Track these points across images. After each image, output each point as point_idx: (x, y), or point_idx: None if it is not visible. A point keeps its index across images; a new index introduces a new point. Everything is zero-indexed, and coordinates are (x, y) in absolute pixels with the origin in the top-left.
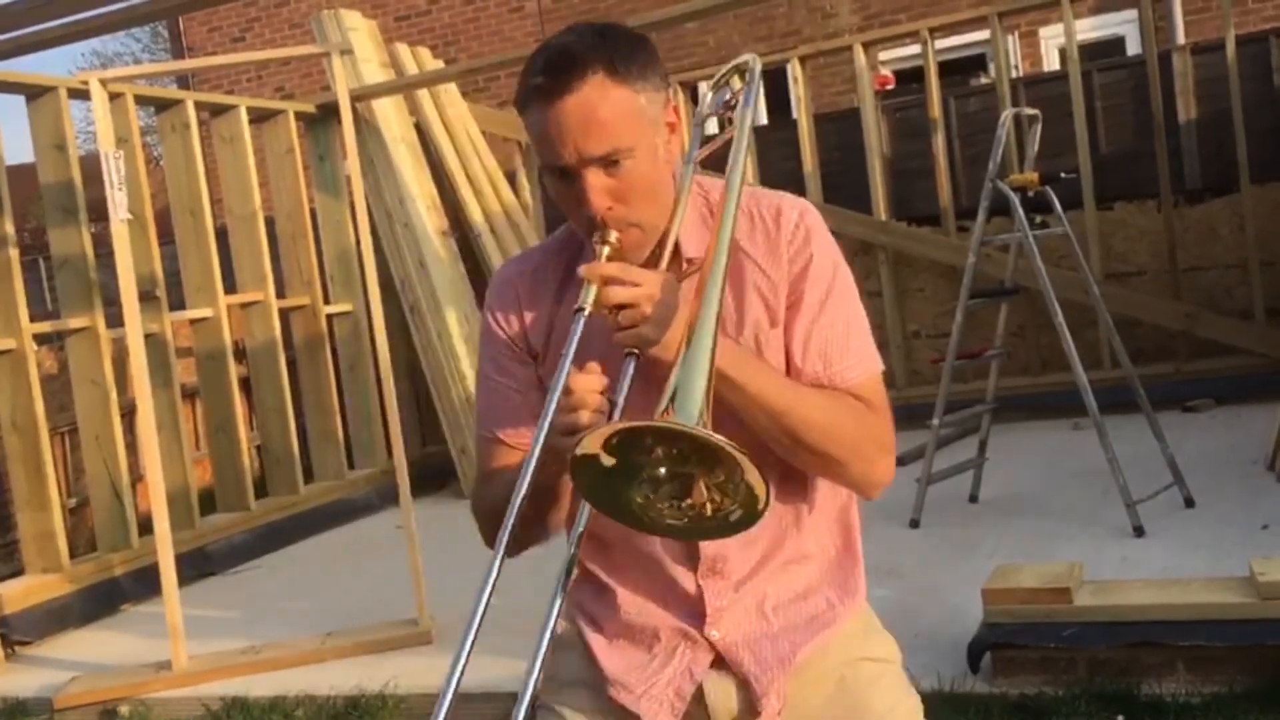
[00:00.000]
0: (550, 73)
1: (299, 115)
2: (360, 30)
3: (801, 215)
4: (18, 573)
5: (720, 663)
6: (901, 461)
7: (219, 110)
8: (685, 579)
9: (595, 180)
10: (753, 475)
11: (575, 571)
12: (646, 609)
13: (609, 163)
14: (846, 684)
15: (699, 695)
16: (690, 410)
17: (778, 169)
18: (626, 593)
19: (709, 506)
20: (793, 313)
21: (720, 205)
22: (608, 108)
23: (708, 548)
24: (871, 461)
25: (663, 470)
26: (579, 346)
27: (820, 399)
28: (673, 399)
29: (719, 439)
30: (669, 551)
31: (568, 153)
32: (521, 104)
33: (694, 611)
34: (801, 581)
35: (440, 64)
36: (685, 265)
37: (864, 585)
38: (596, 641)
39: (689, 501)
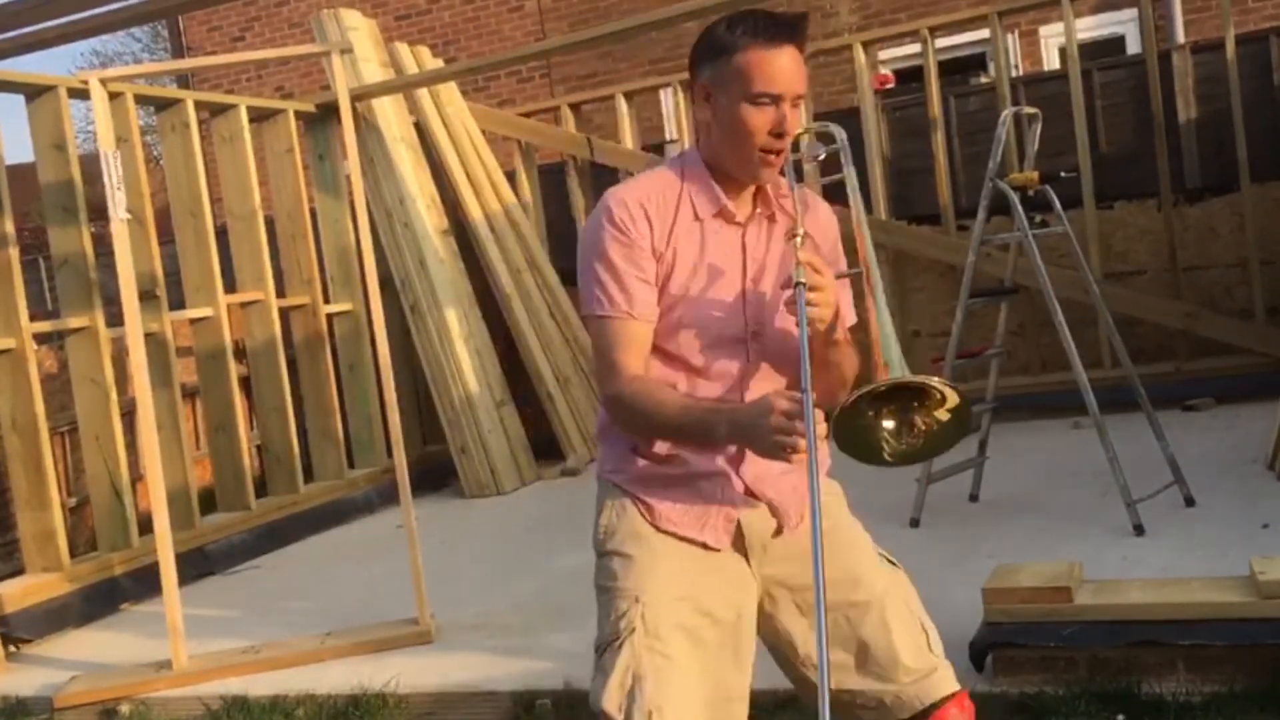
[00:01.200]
0: (783, 25)
1: (299, 115)
2: (360, 29)
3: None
4: (18, 572)
5: (749, 497)
6: None
7: (219, 110)
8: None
9: (792, 114)
10: (950, 395)
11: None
12: (698, 460)
13: (797, 102)
14: (830, 510)
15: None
16: (900, 370)
17: None
18: (686, 450)
19: (926, 426)
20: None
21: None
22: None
23: None
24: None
25: (890, 418)
26: (715, 252)
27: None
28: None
29: (924, 379)
30: None
31: (783, 86)
32: (741, 41)
33: (731, 460)
34: None
35: (440, 63)
36: (766, 214)
37: None
38: (654, 499)
39: (917, 428)
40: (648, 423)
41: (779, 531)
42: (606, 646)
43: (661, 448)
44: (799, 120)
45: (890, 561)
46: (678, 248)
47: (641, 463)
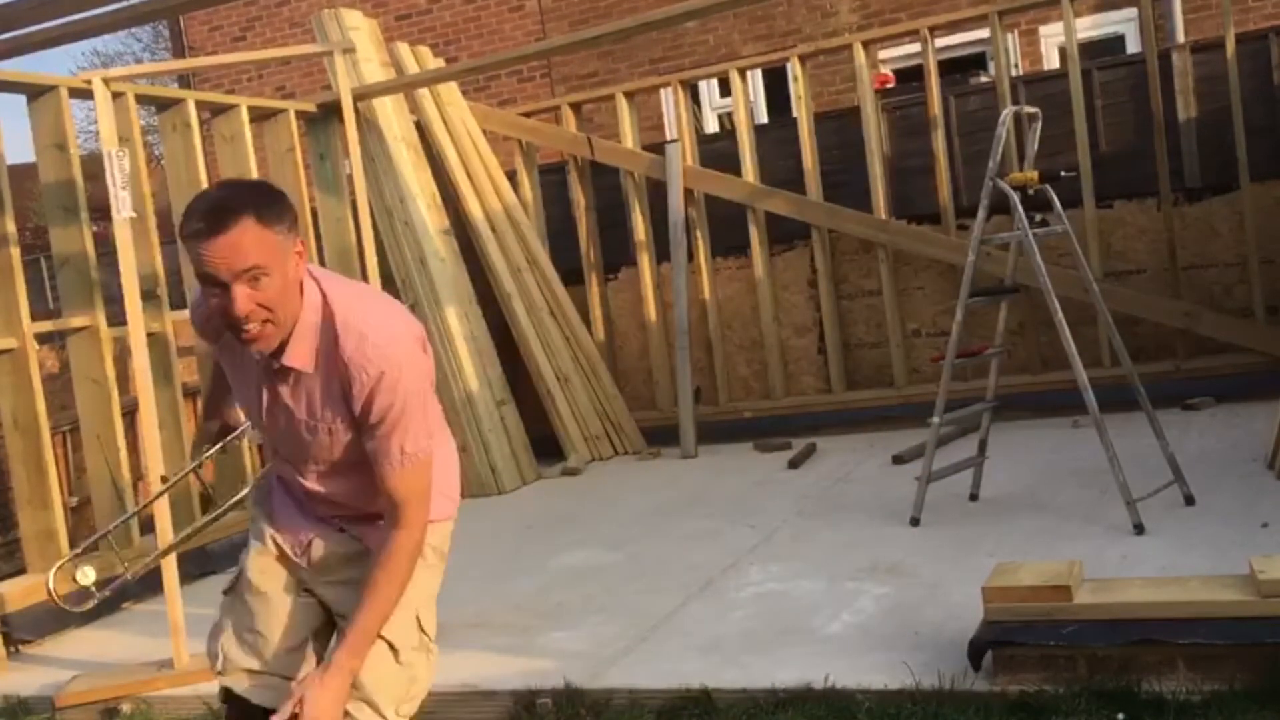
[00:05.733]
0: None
1: (300, 114)
2: (361, 29)
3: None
4: (19, 571)
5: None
6: (901, 460)
7: (220, 109)
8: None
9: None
10: None
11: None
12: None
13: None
14: None
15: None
16: None
17: (777, 167)
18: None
19: None
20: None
21: (332, 333)
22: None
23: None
24: (416, 558)
25: None
26: (243, 369)
27: (388, 592)
28: None
29: None
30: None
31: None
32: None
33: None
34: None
35: (441, 63)
36: (279, 368)
37: None
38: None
39: None
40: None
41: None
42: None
43: None
44: (273, 288)
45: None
46: None
47: None
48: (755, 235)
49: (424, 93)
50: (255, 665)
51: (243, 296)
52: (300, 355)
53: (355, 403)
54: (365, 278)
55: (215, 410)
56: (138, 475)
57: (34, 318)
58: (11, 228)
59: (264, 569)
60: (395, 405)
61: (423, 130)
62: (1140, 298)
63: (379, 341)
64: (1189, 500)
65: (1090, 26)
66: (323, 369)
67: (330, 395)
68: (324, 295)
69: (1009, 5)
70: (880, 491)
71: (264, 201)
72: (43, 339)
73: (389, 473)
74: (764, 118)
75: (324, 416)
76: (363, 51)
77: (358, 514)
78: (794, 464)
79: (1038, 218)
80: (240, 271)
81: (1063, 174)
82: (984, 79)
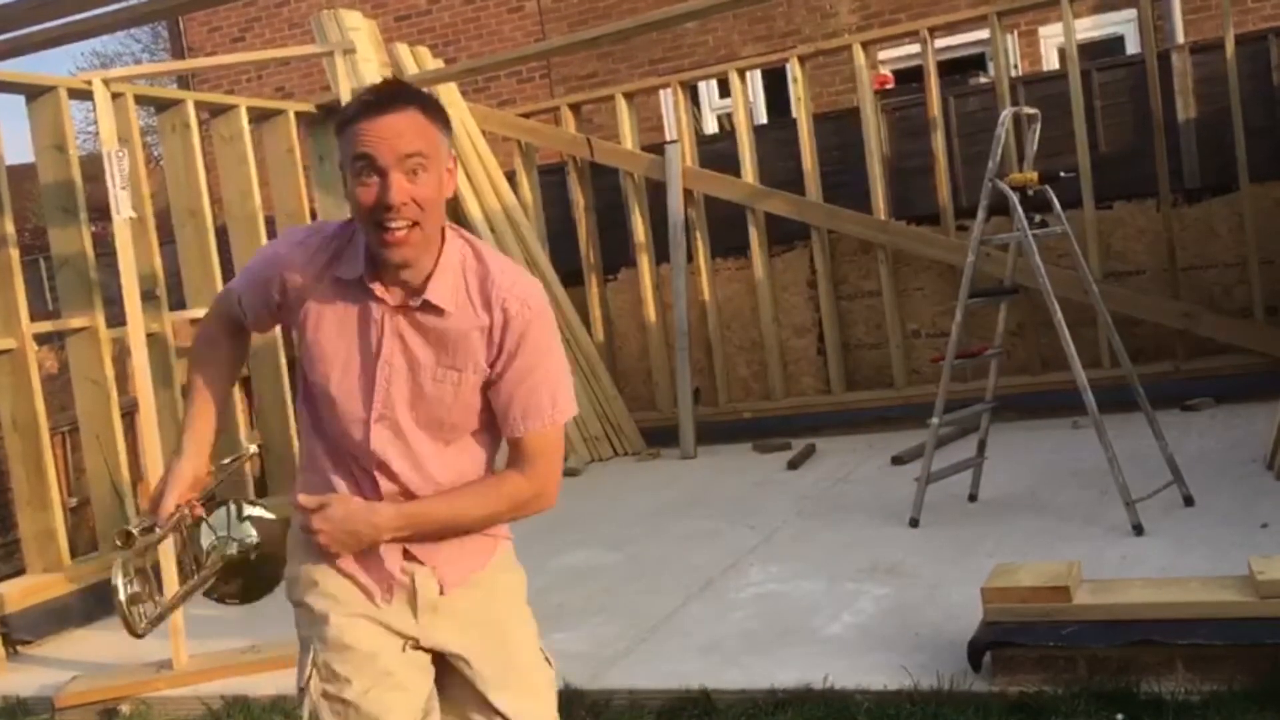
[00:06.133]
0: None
1: (299, 115)
2: (360, 30)
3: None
4: (19, 572)
5: (409, 560)
6: (901, 460)
7: (219, 110)
8: None
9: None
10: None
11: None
12: None
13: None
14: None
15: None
16: None
17: (777, 168)
18: None
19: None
20: (496, 369)
21: (481, 276)
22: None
23: None
24: (524, 513)
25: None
26: (343, 323)
27: (474, 501)
28: None
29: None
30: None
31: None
32: (348, 113)
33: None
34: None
35: (440, 64)
36: (422, 303)
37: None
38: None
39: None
40: (193, 361)
41: (441, 591)
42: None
43: None
44: (429, 185)
45: (547, 660)
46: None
47: None
48: (755, 236)
49: None
50: None
51: (399, 184)
52: (443, 293)
53: (506, 347)
54: None
55: (205, 426)
56: (137, 476)
57: (33, 318)
58: (10, 228)
59: (355, 635)
60: (551, 351)
61: None
62: (1140, 298)
63: (530, 287)
64: (1188, 501)
65: (1090, 27)
66: (461, 312)
67: (467, 342)
68: (465, 239)
69: (1008, 6)
70: (880, 492)
71: (431, 102)
72: (42, 339)
73: (534, 426)
74: (763, 118)
75: (457, 364)
76: (362, 52)
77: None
78: (793, 465)
79: (1037, 218)
80: (403, 156)
81: (1062, 175)
82: (983, 80)
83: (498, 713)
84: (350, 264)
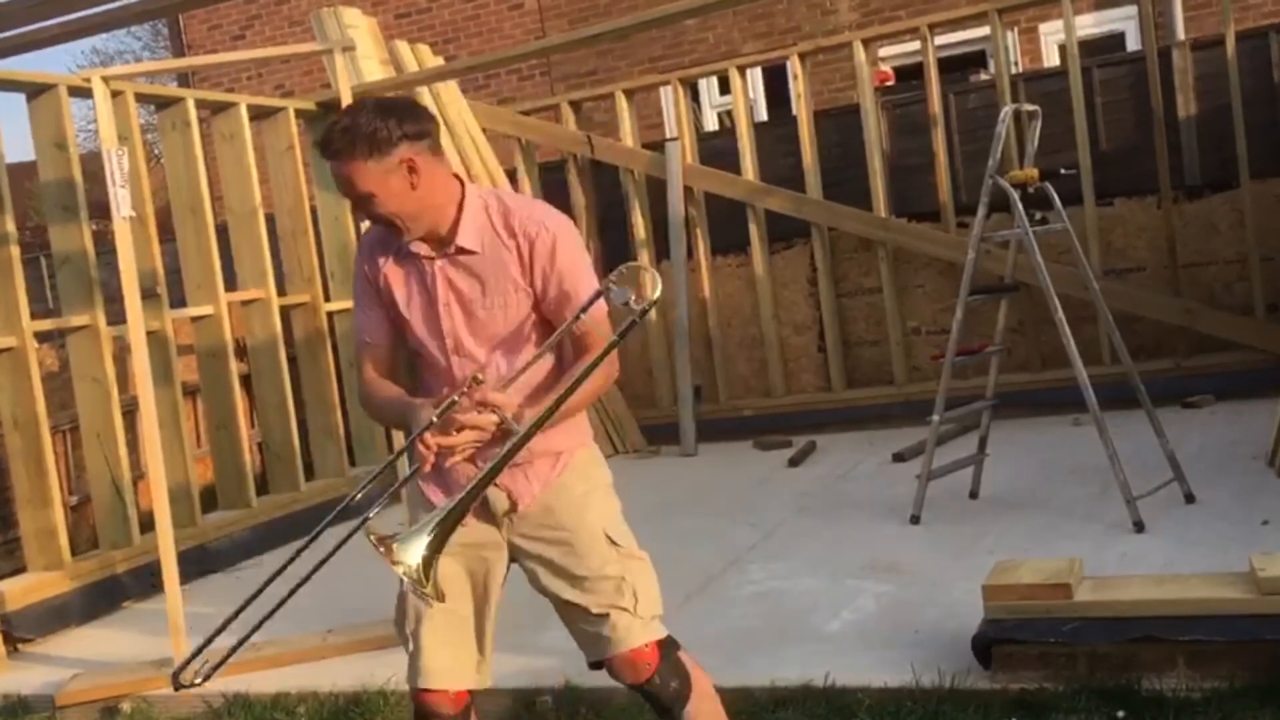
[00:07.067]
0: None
1: (299, 113)
2: (360, 27)
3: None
4: (19, 570)
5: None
6: (901, 458)
7: (219, 108)
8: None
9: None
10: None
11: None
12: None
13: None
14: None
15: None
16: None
17: (777, 165)
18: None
19: None
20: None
21: (503, 213)
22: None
23: None
24: (608, 382)
25: None
26: (409, 276)
27: (577, 383)
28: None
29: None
30: None
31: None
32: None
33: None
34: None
35: (440, 61)
36: (456, 249)
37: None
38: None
39: None
40: (377, 414)
41: (514, 508)
42: None
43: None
44: (392, 200)
45: (617, 547)
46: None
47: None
48: (755, 233)
49: (423, 91)
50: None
51: (370, 212)
52: (470, 236)
53: (537, 266)
54: None
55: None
56: (138, 474)
57: (34, 316)
58: (11, 227)
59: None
60: (579, 258)
61: None
62: (1140, 295)
63: (547, 211)
64: (1189, 498)
65: (1090, 24)
66: (491, 248)
67: (504, 270)
68: (486, 190)
69: (1009, 3)
70: (880, 489)
71: (366, 143)
72: (42, 338)
73: (586, 319)
74: (764, 116)
75: (500, 289)
76: (362, 50)
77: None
78: (794, 462)
79: (1038, 215)
80: (356, 197)
81: (1063, 172)
82: (984, 77)
83: (574, 605)
84: (399, 240)
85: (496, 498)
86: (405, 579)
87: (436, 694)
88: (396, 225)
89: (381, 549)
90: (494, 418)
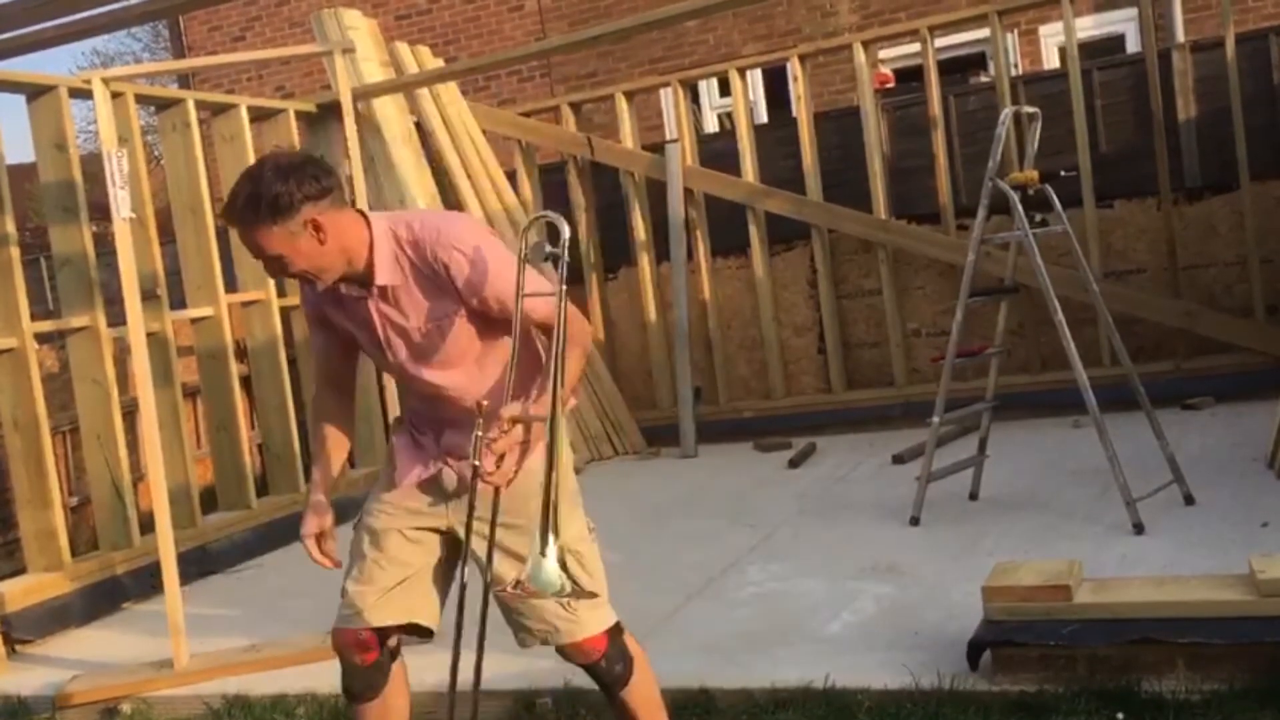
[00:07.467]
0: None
1: (299, 114)
2: (360, 29)
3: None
4: (19, 571)
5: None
6: (901, 459)
7: (220, 109)
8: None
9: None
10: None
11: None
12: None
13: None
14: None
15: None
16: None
17: (777, 167)
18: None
19: None
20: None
21: (413, 244)
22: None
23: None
24: (584, 347)
25: None
26: (354, 314)
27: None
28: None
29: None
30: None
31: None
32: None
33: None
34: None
35: (440, 63)
36: (378, 289)
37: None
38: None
39: None
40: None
41: (462, 489)
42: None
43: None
44: (301, 258)
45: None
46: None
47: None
48: (755, 235)
49: (423, 92)
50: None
51: (282, 270)
52: (387, 274)
53: (460, 284)
54: None
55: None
56: (138, 475)
57: (34, 317)
58: (11, 228)
59: (383, 512)
60: (494, 255)
61: (422, 130)
62: (1140, 297)
63: (452, 227)
64: (1189, 500)
65: (1090, 26)
66: (414, 277)
67: (430, 297)
68: (392, 220)
69: (1008, 5)
70: (880, 491)
71: (268, 204)
72: (42, 339)
73: (525, 304)
74: (764, 117)
75: (431, 315)
76: (362, 51)
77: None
78: (794, 463)
79: (1038, 217)
80: (266, 259)
81: (1063, 174)
82: (984, 79)
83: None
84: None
85: (448, 477)
86: (573, 589)
87: (346, 633)
88: (310, 279)
89: (523, 593)
90: (519, 429)
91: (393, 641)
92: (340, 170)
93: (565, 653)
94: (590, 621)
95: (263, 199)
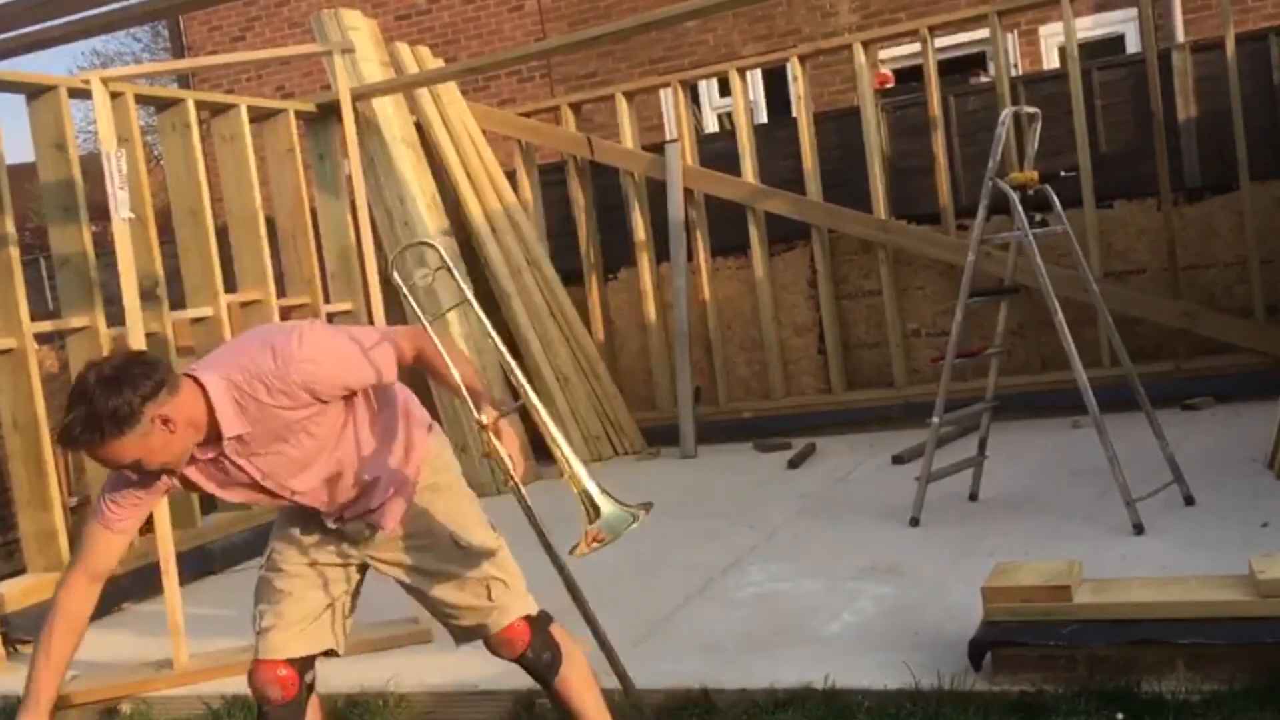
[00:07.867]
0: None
1: (299, 114)
2: (360, 29)
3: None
4: (19, 571)
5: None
6: (901, 460)
7: (219, 109)
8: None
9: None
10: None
11: None
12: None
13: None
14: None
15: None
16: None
17: (778, 168)
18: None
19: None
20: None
21: (258, 382)
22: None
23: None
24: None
25: None
26: (221, 475)
27: (458, 372)
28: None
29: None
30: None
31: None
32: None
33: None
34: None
35: (440, 63)
36: (234, 441)
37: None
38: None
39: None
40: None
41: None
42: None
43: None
44: (155, 455)
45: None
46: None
47: None
48: (755, 235)
49: (423, 93)
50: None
51: (140, 474)
52: (234, 424)
53: (320, 390)
54: (364, 278)
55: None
56: None
57: (33, 318)
58: (11, 227)
59: (291, 553)
60: (337, 346)
61: (422, 130)
62: (1140, 298)
63: (293, 353)
64: (1189, 500)
65: (1090, 26)
66: (262, 417)
67: (290, 419)
68: (223, 381)
69: (1008, 5)
70: (880, 491)
71: (109, 419)
72: (42, 339)
73: (379, 357)
74: (764, 118)
75: (296, 430)
76: (362, 51)
77: (382, 481)
78: (794, 464)
79: (1038, 218)
80: (123, 468)
81: (1063, 174)
82: (984, 79)
83: (440, 599)
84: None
85: (356, 530)
86: (638, 518)
87: (266, 664)
88: (169, 470)
89: (596, 544)
90: (518, 430)
91: (310, 676)
92: (341, 170)
93: (494, 647)
94: (513, 607)
95: (102, 416)
